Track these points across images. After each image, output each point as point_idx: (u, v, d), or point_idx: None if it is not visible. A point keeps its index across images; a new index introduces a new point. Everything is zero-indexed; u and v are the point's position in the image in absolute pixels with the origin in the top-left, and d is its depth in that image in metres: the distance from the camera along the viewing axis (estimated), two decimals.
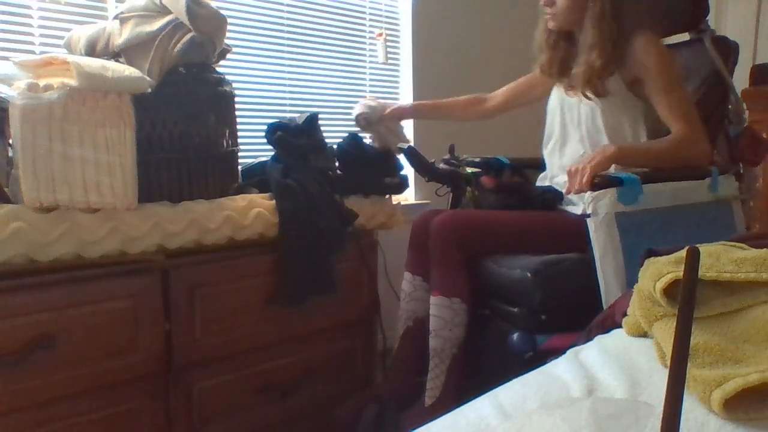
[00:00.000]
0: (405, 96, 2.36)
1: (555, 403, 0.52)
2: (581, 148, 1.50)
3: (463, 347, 1.37)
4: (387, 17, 2.29)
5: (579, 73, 1.44)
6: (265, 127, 1.48)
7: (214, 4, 1.28)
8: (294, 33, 2.01)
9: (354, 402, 1.46)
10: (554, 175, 1.57)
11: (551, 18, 1.48)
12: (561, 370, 0.72)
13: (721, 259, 0.72)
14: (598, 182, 1.27)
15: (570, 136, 1.55)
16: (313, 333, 1.46)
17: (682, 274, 0.43)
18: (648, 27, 1.42)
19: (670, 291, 0.69)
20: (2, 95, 1.09)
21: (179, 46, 1.20)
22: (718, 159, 1.60)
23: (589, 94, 1.43)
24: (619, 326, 0.83)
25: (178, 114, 1.21)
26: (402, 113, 1.76)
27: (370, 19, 2.24)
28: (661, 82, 1.39)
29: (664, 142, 1.37)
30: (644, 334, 0.77)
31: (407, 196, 2.29)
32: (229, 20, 1.32)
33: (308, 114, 1.52)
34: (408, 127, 2.37)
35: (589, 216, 1.26)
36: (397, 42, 2.35)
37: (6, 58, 1.36)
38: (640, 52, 1.39)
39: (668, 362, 0.43)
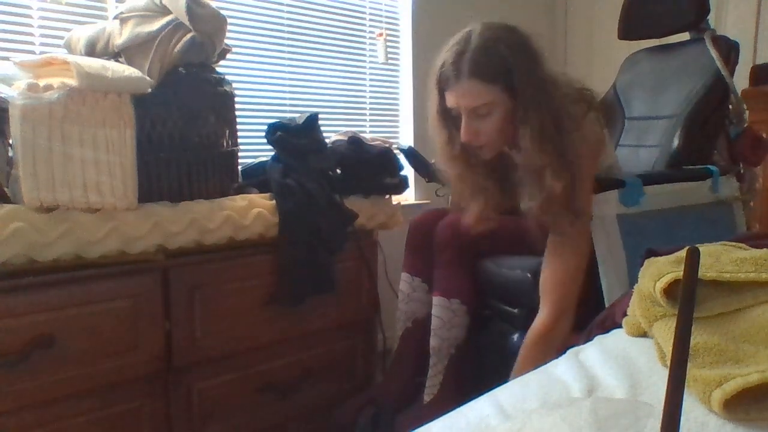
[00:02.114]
0: (405, 96, 2.36)
1: (555, 403, 0.52)
2: None
3: (462, 347, 1.37)
4: (387, 17, 2.29)
5: (535, 207, 1.12)
6: (265, 127, 1.48)
7: (214, 4, 1.28)
8: (294, 33, 2.01)
9: (352, 403, 1.46)
10: None
11: (484, 151, 1.19)
12: (561, 370, 0.72)
13: (721, 259, 0.72)
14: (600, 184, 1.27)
15: None
16: (313, 333, 1.46)
17: (682, 274, 0.43)
18: (592, 127, 1.16)
19: (670, 291, 0.68)
20: (2, 95, 1.09)
21: (179, 46, 1.20)
22: (719, 160, 1.60)
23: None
24: (619, 326, 0.83)
25: (178, 114, 1.21)
26: None
27: (370, 19, 2.24)
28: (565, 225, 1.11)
29: (524, 348, 1.16)
30: (644, 334, 0.76)
31: (407, 196, 2.29)
32: (229, 20, 1.32)
33: (308, 114, 1.52)
34: (408, 126, 2.37)
35: (590, 218, 1.26)
36: (397, 42, 2.35)
37: (6, 58, 1.36)
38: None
39: (668, 362, 0.43)
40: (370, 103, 2.28)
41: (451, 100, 1.13)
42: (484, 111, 1.11)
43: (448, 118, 1.18)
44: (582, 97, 1.20)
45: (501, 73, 1.08)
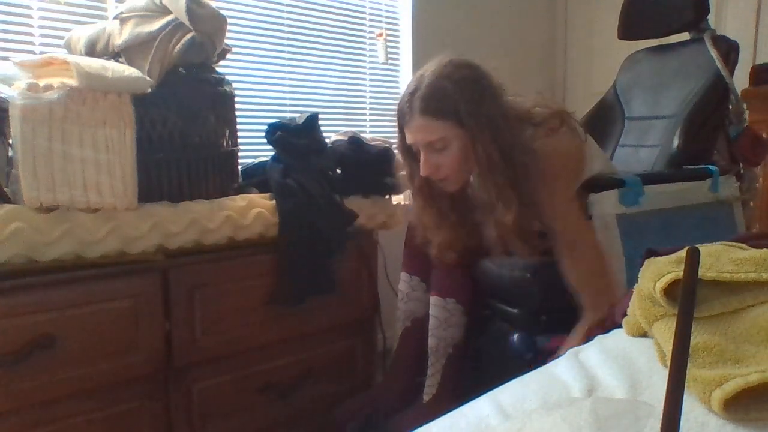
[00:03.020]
0: None
1: (555, 403, 0.52)
2: None
3: (460, 347, 1.37)
4: (387, 17, 2.29)
5: (494, 237, 1.19)
6: (265, 127, 1.48)
7: (214, 4, 1.28)
8: (294, 33, 2.00)
9: (351, 404, 1.46)
10: None
11: (447, 183, 1.22)
12: (561, 370, 0.72)
13: (721, 259, 0.72)
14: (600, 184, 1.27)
15: None
16: (313, 333, 1.46)
17: (682, 274, 0.43)
18: (546, 143, 1.16)
19: (670, 291, 0.68)
20: (2, 95, 1.09)
21: (179, 46, 1.20)
22: (719, 159, 1.60)
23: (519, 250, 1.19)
24: (619, 326, 0.83)
25: (178, 114, 1.21)
26: None
27: (370, 19, 2.24)
28: (564, 235, 1.16)
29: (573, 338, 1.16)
30: (644, 334, 0.76)
31: (407, 196, 2.29)
32: (229, 20, 1.32)
33: (308, 114, 1.52)
34: None
35: (590, 217, 1.26)
36: (397, 42, 2.35)
37: (6, 58, 1.36)
38: (541, 194, 1.16)
39: (668, 362, 0.43)
40: (370, 103, 2.28)
41: (408, 137, 1.18)
42: (440, 145, 1.14)
43: (410, 153, 1.23)
44: (554, 115, 1.22)
45: (450, 109, 1.11)
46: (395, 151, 1.64)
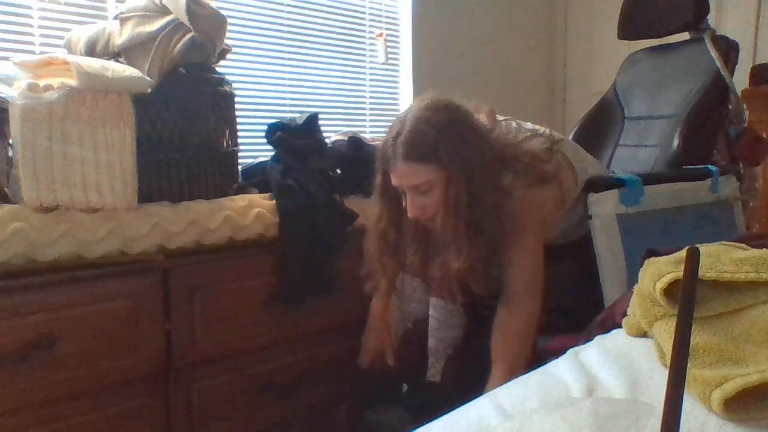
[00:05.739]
0: (405, 96, 2.37)
1: (555, 403, 0.52)
2: None
3: (460, 348, 1.37)
4: (387, 17, 2.29)
5: (436, 277, 1.24)
6: (265, 127, 1.48)
7: (214, 4, 1.28)
8: (294, 33, 2.01)
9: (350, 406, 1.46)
10: None
11: (433, 223, 1.22)
12: (561, 370, 0.72)
13: (721, 259, 0.72)
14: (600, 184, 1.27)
15: None
16: (313, 333, 1.46)
17: (682, 274, 0.43)
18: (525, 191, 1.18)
19: (670, 291, 0.68)
20: (2, 95, 1.09)
21: (179, 46, 1.20)
22: (719, 159, 1.61)
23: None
24: (619, 326, 0.83)
25: (178, 114, 1.21)
26: None
27: (370, 19, 2.24)
28: (517, 280, 1.18)
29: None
30: (644, 334, 0.76)
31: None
32: (229, 20, 1.32)
33: (308, 114, 1.51)
34: None
35: (590, 217, 1.26)
36: (397, 42, 2.35)
37: (6, 58, 1.36)
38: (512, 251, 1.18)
39: (668, 362, 0.43)
40: (370, 103, 2.28)
41: (394, 180, 1.19)
42: (425, 188, 1.15)
43: (387, 196, 1.24)
44: (546, 154, 1.22)
45: (431, 152, 1.12)
46: None
